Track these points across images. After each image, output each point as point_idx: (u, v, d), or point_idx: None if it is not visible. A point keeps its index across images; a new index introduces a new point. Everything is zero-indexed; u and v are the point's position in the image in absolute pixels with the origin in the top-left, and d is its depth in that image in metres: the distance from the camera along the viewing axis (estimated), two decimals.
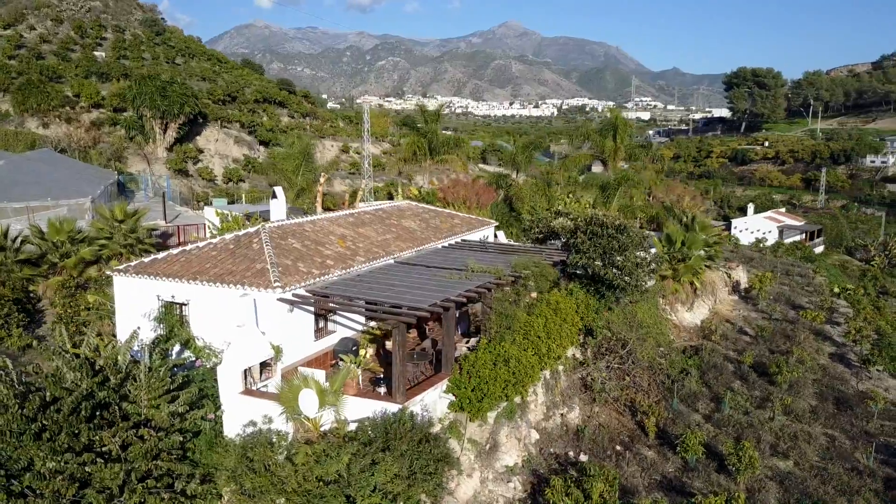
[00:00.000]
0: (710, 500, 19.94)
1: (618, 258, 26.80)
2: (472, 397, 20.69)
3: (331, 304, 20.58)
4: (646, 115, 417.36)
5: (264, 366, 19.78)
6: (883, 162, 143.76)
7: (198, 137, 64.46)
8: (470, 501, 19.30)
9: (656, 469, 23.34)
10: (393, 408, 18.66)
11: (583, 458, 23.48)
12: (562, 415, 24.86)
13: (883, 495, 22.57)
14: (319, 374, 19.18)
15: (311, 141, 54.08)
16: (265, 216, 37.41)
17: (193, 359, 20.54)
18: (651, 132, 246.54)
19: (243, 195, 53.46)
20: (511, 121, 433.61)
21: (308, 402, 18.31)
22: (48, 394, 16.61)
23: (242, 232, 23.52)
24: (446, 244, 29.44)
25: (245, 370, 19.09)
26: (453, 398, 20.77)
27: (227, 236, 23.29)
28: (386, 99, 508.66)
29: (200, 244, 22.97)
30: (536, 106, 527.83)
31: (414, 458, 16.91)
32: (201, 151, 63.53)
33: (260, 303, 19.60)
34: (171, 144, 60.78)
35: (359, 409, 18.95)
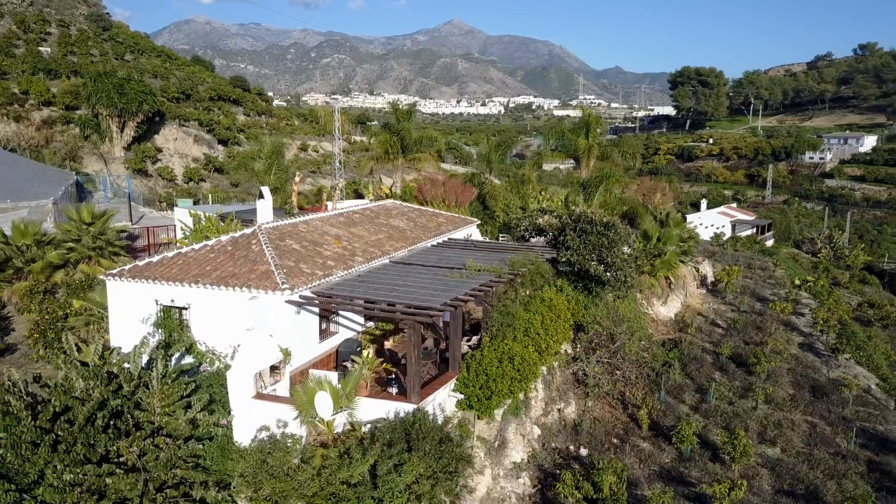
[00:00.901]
0: (715, 489, 20.61)
1: (607, 255, 27.28)
2: (481, 395, 20.83)
3: (341, 306, 20.40)
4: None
5: (273, 369, 19.49)
6: (821, 158, 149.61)
7: (156, 136, 62.69)
8: (484, 499, 19.44)
9: (653, 460, 23.93)
10: (407, 407, 18.63)
11: (583, 451, 23.92)
12: (559, 410, 25.22)
13: (867, 477, 23.65)
14: (332, 376, 18.99)
15: (283, 140, 53.19)
16: (241, 216, 36.78)
17: (198, 364, 20.07)
18: (598, 130, 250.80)
19: (209, 195, 52.30)
20: (459, 119, 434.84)
21: (323, 404, 18.15)
22: (58, 403, 16.03)
23: (239, 233, 23.06)
24: (435, 243, 29.45)
25: (256, 374, 18.77)
26: (461, 397, 20.87)
27: (224, 238, 22.80)
28: (332, 97, 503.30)
29: (196, 246, 22.45)
30: (483, 104, 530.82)
31: (437, 457, 16.93)
32: (160, 151, 61.82)
33: (268, 305, 19.28)
34: (129, 144, 58.98)
35: (371, 410, 18.89)
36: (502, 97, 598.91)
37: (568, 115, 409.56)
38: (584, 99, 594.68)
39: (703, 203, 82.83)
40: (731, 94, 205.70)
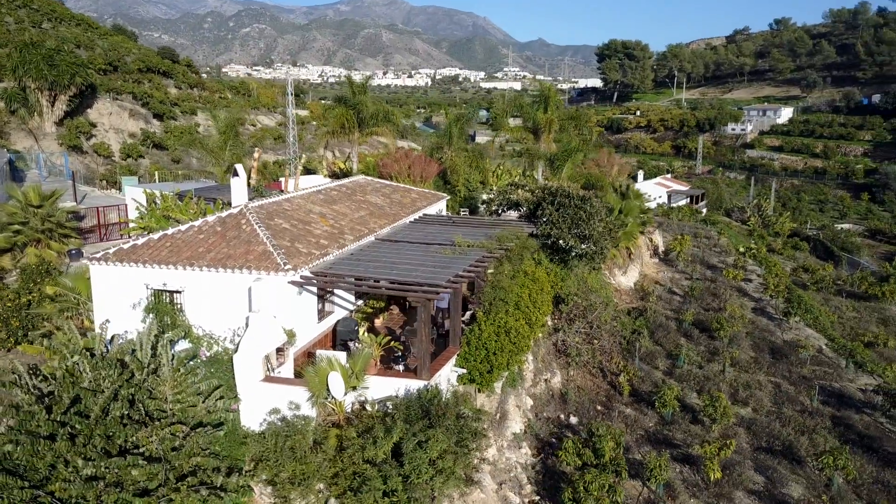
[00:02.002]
0: (706, 449, 21.66)
1: (584, 228, 27.87)
2: (482, 369, 21.15)
3: (346, 286, 20.20)
4: (517, 86, 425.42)
5: (278, 351, 19.18)
6: (742, 129, 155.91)
7: (89, 111, 59.51)
8: (492, 471, 19.82)
9: (639, 425, 24.86)
10: (417, 384, 18.71)
11: (573, 420, 24.63)
12: (545, 380, 25.81)
13: (833, 432, 25.29)
14: (341, 356, 18.86)
15: (238, 115, 51.41)
16: (201, 195, 35.61)
17: (197, 349, 19.52)
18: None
19: (156, 173, 50.19)
20: (386, 91, 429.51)
21: (336, 384, 18.08)
22: (66, 395, 15.37)
23: (225, 213, 22.40)
24: (412, 219, 29.37)
25: (264, 357, 18.44)
26: (463, 371, 21.11)
27: (210, 218, 22.09)
28: (254, 68, 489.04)
29: (182, 227, 21.68)
30: (410, 76, 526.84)
31: (457, 432, 17.13)
32: (94, 126, 58.75)
33: (271, 286, 18.89)
34: (61, 118, 55.81)
35: (380, 388, 18.89)
36: (428, 69, 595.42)
37: (495, 88, 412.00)
38: (510, 71, 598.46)
39: (640, 174, 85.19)
40: (655, 67, 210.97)
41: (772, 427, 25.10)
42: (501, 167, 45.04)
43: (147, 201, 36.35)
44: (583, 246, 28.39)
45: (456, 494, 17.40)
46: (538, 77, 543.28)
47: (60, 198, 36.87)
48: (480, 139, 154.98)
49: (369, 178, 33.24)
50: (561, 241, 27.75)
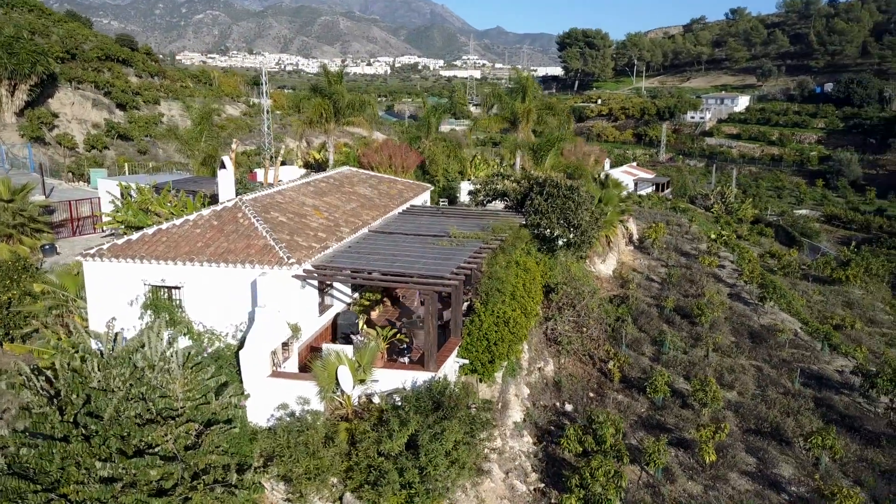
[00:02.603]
0: (702, 433, 22.20)
1: (573, 217, 28.18)
2: (484, 359, 21.31)
3: (350, 278, 20.12)
4: (477, 74, 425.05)
5: (283, 346, 19.02)
6: (701, 118, 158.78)
7: (50, 101, 57.63)
8: (497, 460, 20.01)
9: (632, 410, 25.32)
10: (424, 376, 18.78)
11: (568, 407, 24.99)
12: (539, 369, 26.10)
13: (816, 412, 26.14)
14: (348, 350, 18.79)
15: (213, 105, 50.36)
16: (181, 187, 34.94)
17: (200, 345, 19.24)
18: (489, 90, 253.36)
19: (125, 164, 48.93)
20: (345, 79, 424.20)
21: (345, 378, 18.04)
22: (76, 395, 15.03)
23: (220, 206, 22.04)
24: (401, 210, 29.31)
25: (272, 352, 18.28)
26: (465, 362, 21.23)
27: (205, 212, 21.72)
28: (209, 56, 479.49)
29: (177, 221, 21.26)
30: (369, 64, 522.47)
31: (469, 423, 17.26)
32: (56, 116, 56.95)
33: (276, 281, 18.69)
34: (21, 109, 53.97)
35: (387, 380, 18.89)
36: (386, 57, 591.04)
37: (455, 76, 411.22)
38: (469, 59, 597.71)
39: (607, 163, 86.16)
40: (615, 55, 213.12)
41: (758, 410, 25.82)
42: (479, 157, 45.11)
43: (122, 194, 35.60)
44: (570, 235, 28.69)
45: (468, 484, 17.55)
46: (497, 65, 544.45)
47: (31, 192, 35.91)
48: (444, 127, 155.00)
49: (354, 168, 33.00)
50: (549, 231, 28.01)
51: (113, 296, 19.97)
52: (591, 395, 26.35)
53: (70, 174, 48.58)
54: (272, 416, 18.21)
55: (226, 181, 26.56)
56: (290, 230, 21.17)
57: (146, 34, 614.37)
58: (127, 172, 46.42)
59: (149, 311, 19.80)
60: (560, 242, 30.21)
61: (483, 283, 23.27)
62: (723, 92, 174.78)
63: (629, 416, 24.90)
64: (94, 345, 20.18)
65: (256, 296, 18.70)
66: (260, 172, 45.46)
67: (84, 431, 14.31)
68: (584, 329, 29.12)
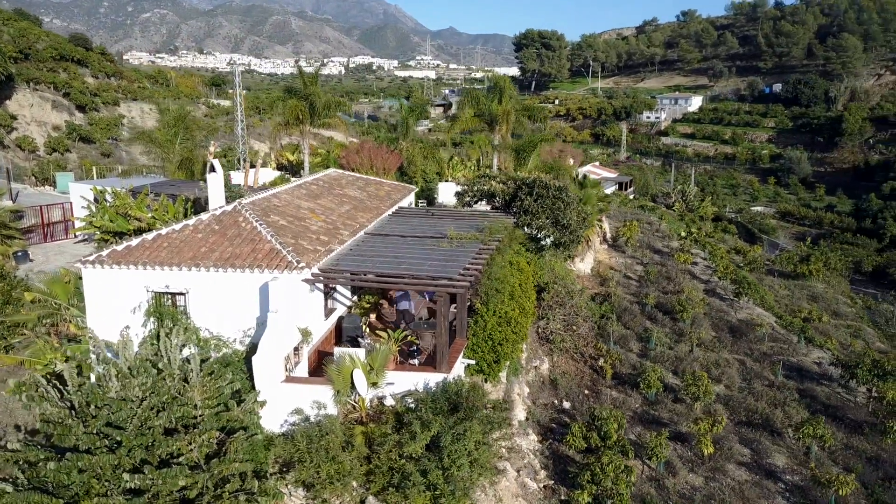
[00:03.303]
0: (700, 426, 22.80)
1: (563, 217, 28.58)
2: (490, 359, 21.49)
3: (356, 281, 20.07)
4: (432, 74, 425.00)
5: (294, 350, 18.87)
6: (657, 118, 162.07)
7: (8, 102, 55.71)
8: (508, 458, 20.19)
9: (626, 406, 25.82)
10: (436, 377, 18.85)
11: (566, 405, 25.35)
12: (535, 368, 26.41)
13: (801, 403, 27.05)
14: (360, 353, 18.73)
15: (188, 107, 49.27)
16: (159, 191, 34.26)
17: (207, 352, 18.92)
18: (447, 91, 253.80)
19: (93, 168, 47.61)
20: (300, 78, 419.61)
21: (361, 381, 18.01)
22: (94, 406, 14.69)
23: (219, 211, 21.71)
24: (391, 212, 29.25)
25: (285, 357, 18.12)
26: (472, 362, 21.36)
27: (203, 216, 21.36)
28: (157, 55, 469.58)
29: (177, 226, 20.86)
30: (323, 64, 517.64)
31: (487, 423, 17.40)
32: (15, 118, 55.07)
33: (287, 285, 18.52)
34: None
35: (400, 382, 18.89)
36: (340, 57, 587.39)
37: (411, 76, 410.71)
38: (423, 59, 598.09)
39: (571, 162, 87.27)
40: (571, 56, 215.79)
41: (747, 402, 26.61)
42: (456, 158, 45.30)
43: (96, 198, 34.79)
44: (559, 235, 29.08)
45: (486, 484, 17.68)
46: (451, 66, 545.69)
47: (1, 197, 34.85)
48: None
49: (341, 171, 32.81)
50: (537, 231, 28.36)
51: (114, 303, 19.47)
52: (586, 392, 26.76)
53: (34, 178, 47.08)
54: (286, 421, 18.05)
55: (215, 185, 26.00)
56: (293, 234, 20.98)
57: (90, 33, 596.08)
58: (95, 176, 45.21)
59: (152, 319, 19.40)
60: (543, 242, 30.57)
61: (483, 283, 23.40)
62: (676, 92, 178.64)
63: (624, 411, 25.31)
64: (93, 354, 19.76)
65: (268, 300, 18.47)
66: (234, 175, 44.77)
67: (107, 442, 13.99)
68: (575, 328, 29.56)
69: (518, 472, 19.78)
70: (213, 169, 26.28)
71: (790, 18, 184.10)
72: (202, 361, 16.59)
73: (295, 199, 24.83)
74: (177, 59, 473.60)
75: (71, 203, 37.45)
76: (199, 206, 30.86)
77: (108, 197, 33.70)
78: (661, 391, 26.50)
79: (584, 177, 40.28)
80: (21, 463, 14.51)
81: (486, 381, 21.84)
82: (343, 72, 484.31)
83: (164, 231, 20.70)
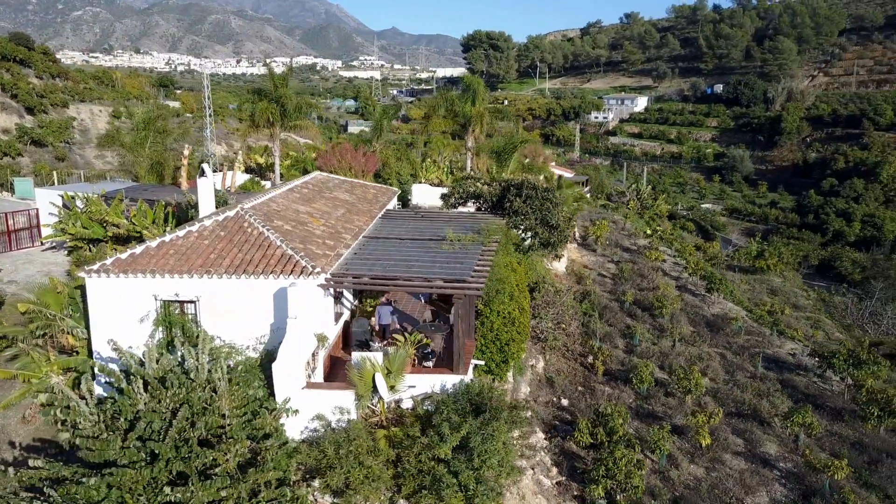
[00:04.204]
0: (698, 419, 23.54)
1: (551, 217, 29.05)
2: (498, 359, 21.74)
3: (371, 285, 20.03)
4: (377, 75, 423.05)
5: (312, 356, 18.74)
6: (604, 118, 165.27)
7: None
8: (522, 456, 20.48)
9: (621, 401, 26.39)
10: (453, 379, 19.02)
11: (564, 402, 25.79)
12: (531, 366, 26.78)
13: (783, 393, 28.17)
14: (377, 356, 18.72)
15: (159, 110, 47.78)
16: (138, 195, 33.37)
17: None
18: (395, 91, 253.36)
19: (54, 173, 45.83)
20: (242, 79, 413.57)
21: (382, 385, 18.04)
22: (125, 418, 14.34)
23: (222, 217, 21.34)
24: (381, 215, 29.21)
25: (305, 363, 17.98)
26: (481, 363, 21.57)
27: (206, 223, 20.97)
28: (91, 55, 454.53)
29: (180, 233, 20.44)
30: (265, 64, 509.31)
31: (512, 423, 17.64)
32: None
33: (304, 290, 18.38)
34: None
35: (417, 385, 18.98)
36: (283, 57, 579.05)
37: (357, 77, 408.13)
38: (367, 60, 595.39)
39: (541, 161, 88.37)
40: (518, 57, 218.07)
41: (734, 394, 27.57)
42: (429, 159, 45.43)
43: (65, 204, 33.72)
44: (548, 234, 29.55)
45: (510, 483, 17.92)
46: (396, 66, 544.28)
47: None
48: (353, 129, 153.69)
49: (326, 174, 32.55)
50: (526, 232, 28.78)
51: (120, 313, 18.99)
52: (581, 389, 27.26)
53: None
54: (306, 427, 17.92)
55: (206, 190, 25.59)
56: (300, 238, 20.81)
57: (17, 31, 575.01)
58: (56, 181, 43.62)
59: (160, 328, 18.98)
60: (527, 242, 30.97)
61: (486, 284, 23.61)
62: (622, 93, 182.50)
63: (619, 406, 25.95)
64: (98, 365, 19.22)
65: (284, 306, 18.31)
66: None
67: (143, 455, 13.68)
68: (564, 326, 30.07)
69: (532, 469, 20.07)
70: (202, 173, 25.87)
71: (728, 21, 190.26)
72: (230, 370, 16.28)
73: (292, 204, 24.60)
74: (112, 58, 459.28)
75: (37, 209, 36.06)
76: (181, 211, 30.17)
77: (78, 203, 32.70)
78: (653, 386, 27.21)
79: (560, 177, 40.95)
80: (48, 480, 14.07)
81: (493, 381, 22.06)
82: (284, 70, 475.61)
83: (167, 238, 20.27)
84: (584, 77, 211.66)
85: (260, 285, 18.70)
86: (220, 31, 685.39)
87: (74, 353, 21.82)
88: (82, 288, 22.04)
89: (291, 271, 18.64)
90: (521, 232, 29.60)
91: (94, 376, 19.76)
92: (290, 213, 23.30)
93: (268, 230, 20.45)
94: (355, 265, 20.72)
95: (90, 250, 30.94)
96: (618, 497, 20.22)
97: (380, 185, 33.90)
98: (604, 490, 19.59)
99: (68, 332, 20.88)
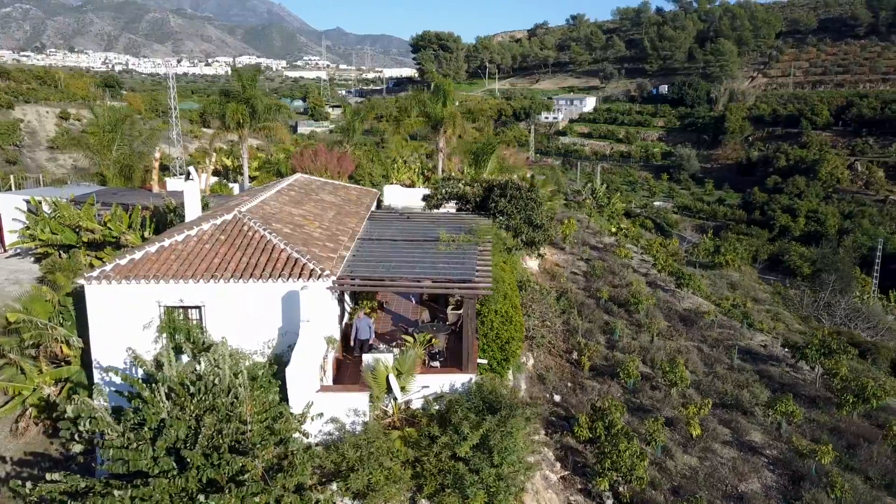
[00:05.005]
0: (689, 410, 24.30)
1: (535, 217, 29.52)
2: (500, 357, 22.01)
3: (377, 286, 20.06)
4: (324, 75, 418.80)
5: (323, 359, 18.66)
6: (555, 118, 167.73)
7: None
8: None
9: (610, 395, 26.99)
10: (462, 378, 19.23)
11: (556, 398, 26.25)
12: (523, 363, 27.13)
13: (761, 383, 29.24)
14: (388, 358, 18.77)
15: (127, 113, 46.30)
16: (110, 200, 32.55)
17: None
18: (344, 92, 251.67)
19: (11, 178, 43.99)
20: (184, 79, 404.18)
21: (396, 386, 18.11)
22: (147, 428, 14.07)
23: (219, 220, 21.03)
24: (367, 217, 29.16)
25: (319, 366, 17.90)
26: (483, 362, 21.79)
27: (205, 227, 20.64)
28: (22, 53, 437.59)
29: (178, 237, 20.05)
30: (208, 64, 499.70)
31: (526, 420, 17.91)
32: None
33: (315, 293, 18.29)
34: None
35: (429, 385, 19.11)
36: (224, 57, 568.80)
37: (303, 77, 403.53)
38: (311, 59, 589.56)
39: (512, 161, 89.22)
40: (468, 58, 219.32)
41: (715, 385, 28.49)
42: (399, 160, 45.47)
43: (31, 210, 32.71)
44: (532, 233, 30.01)
45: (526, 479, 18.19)
46: (342, 66, 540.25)
47: None
48: (303, 130, 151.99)
49: (308, 176, 32.27)
50: (518, 230, 29.18)
51: (122, 320, 18.55)
52: (569, 385, 27.78)
53: None
54: (320, 431, 17.82)
55: (192, 193, 25.10)
56: (301, 241, 20.67)
57: None
58: (14, 186, 42.01)
59: (164, 335, 18.62)
60: (511, 242, 31.36)
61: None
62: (571, 93, 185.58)
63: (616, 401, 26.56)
64: (98, 376, 18.79)
65: (294, 310, 18.22)
66: (171, 182, 42.84)
67: (172, 464, 13.46)
68: (549, 324, 30.55)
69: (539, 464, 20.38)
70: (188, 176, 25.39)
71: (671, 24, 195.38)
72: (251, 376, 16.11)
73: (284, 206, 24.39)
74: (45, 57, 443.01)
75: (0, 215, 34.73)
76: (159, 215, 29.54)
77: (46, 208, 31.71)
78: (639, 380, 27.92)
79: (533, 176, 41.51)
80: (66, 493, 13.71)
81: (493, 379, 22.30)
82: (230, 72, 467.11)
83: (166, 243, 19.87)
84: (532, 78, 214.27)
85: (268, 289, 18.53)
86: (159, 29, 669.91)
87: (63, 364, 21.24)
88: (75, 295, 21.50)
89: (300, 274, 18.53)
90: (506, 232, 29.93)
91: (91, 387, 19.33)
92: (286, 216, 23.11)
93: (270, 233, 20.27)
94: (359, 267, 20.69)
95: (61, 256, 30.05)
96: (620, 489, 20.79)
97: (360, 186, 33.79)
98: (608, 482, 20.08)
99: (62, 342, 20.27)
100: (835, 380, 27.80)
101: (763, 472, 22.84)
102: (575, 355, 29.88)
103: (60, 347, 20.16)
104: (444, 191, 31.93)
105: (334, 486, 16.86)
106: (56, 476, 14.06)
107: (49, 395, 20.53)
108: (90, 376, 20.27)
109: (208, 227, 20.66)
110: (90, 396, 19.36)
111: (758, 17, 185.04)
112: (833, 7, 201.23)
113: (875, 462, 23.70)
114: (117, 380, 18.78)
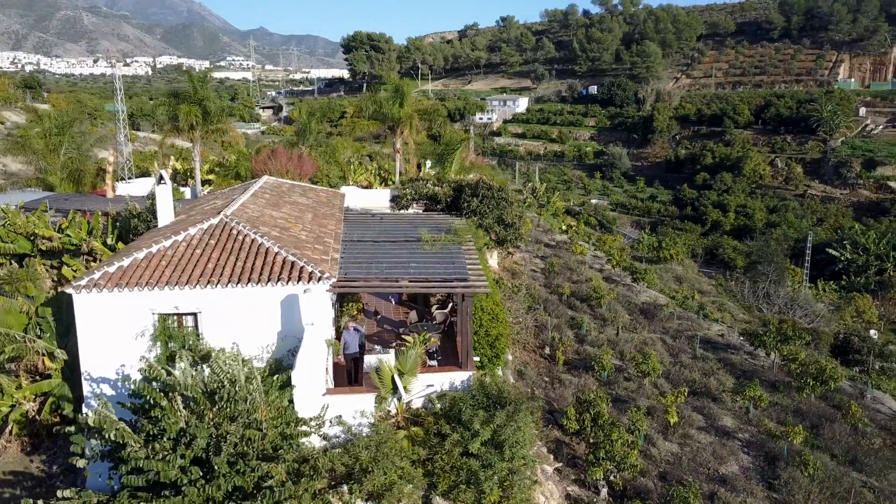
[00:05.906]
0: (668, 398, 25.23)
1: (506, 216, 30.00)
2: (490, 354, 22.33)
3: (380, 287, 20.06)
4: (249, 76, 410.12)
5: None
6: (489, 118, 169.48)
7: None
8: None
9: (586, 388, 27.72)
10: (462, 376, 19.48)
11: (537, 392, 26.75)
12: (508, 360, 27.54)
13: (724, 370, 30.57)
14: (389, 358, 18.81)
15: (76, 116, 44.05)
16: (64, 206, 31.24)
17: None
18: (274, 93, 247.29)
19: None
20: (101, 80, 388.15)
21: (400, 386, 18.20)
22: (166, 438, 13.73)
23: (206, 225, 20.55)
24: (342, 218, 28.98)
25: (325, 369, 17.78)
26: (476, 359, 22.04)
27: (192, 231, 20.15)
28: None
29: (166, 243, 19.49)
30: (126, 64, 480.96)
31: (530, 414, 18.28)
32: None
33: (316, 296, 18.14)
34: None
35: (428, 383, 19.26)
36: (144, 57, 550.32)
37: (228, 77, 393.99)
38: (235, 60, 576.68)
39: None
40: (399, 58, 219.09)
41: (683, 374, 29.63)
42: (355, 162, 45.25)
43: None
44: (503, 232, 30.48)
45: (531, 472, 18.55)
46: (268, 67, 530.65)
47: None
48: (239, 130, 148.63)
49: (276, 178, 31.74)
50: (490, 229, 29.59)
51: (113, 329, 17.93)
52: (546, 379, 28.36)
53: None
54: (326, 433, 17.70)
55: (164, 198, 24.38)
56: (293, 244, 20.43)
57: None
58: None
59: (158, 343, 18.10)
60: (484, 241, 31.78)
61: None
62: (503, 94, 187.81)
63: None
64: (87, 388, 18.18)
65: (295, 314, 18.05)
66: (121, 185, 41.35)
67: (203, 474, 13.20)
68: (521, 320, 31.08)
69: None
70: (161, 180, 24.69)
71: (599, 26, 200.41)
72: (263, 381, 15.87)
73: (265, 210, 24.02)
74: None
75: None
76: (123, 221, 28.56)
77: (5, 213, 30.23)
78: (613, 372, 28.76)
79: (493, 177, 41.99)
80: None
81: (484, 376, 22.61)
82: (150, 72, 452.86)
83: (154, 249, 19.30)
84: (465, 79, 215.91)
85: (267, 293, 18.27)
86: (72, 28, 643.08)
87: (38, 378, 20.34)
88: (53, 305, 20.65)
89: (299, 277, 18.35)
90: (480, 231, 30.28)
91: (79, 400, 18.64)
92: (269, 219, 22.77)
93: (261, 237, 19.97)
94: (352, 269, 20.62)
95: (11, 265, 28.68)
96: (612, 477, 21.44)
97: (327, 188, 33.50)
98: (602, 471, 20.69)
99: (43, 355, 19.42)
100: (793, 365, 29.33)
101: (739, 455, 23.95)
102: (548, 350, 30.52)
103: (42, 360, 19.28)
104: (413, 192, 32.02)
105: (345, 489, 16.82)
106: (67, 493, 13.56)
107: (28, 412, 19.69)
108: (73, 389, 19.55)
109: (195, 232, 20.17)
110: (75, 410, 18.76)
111: (680, 20, 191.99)
112: (749, 11, 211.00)
113: (838, 440, 25.20)
114: (109, 391, 18.25)
